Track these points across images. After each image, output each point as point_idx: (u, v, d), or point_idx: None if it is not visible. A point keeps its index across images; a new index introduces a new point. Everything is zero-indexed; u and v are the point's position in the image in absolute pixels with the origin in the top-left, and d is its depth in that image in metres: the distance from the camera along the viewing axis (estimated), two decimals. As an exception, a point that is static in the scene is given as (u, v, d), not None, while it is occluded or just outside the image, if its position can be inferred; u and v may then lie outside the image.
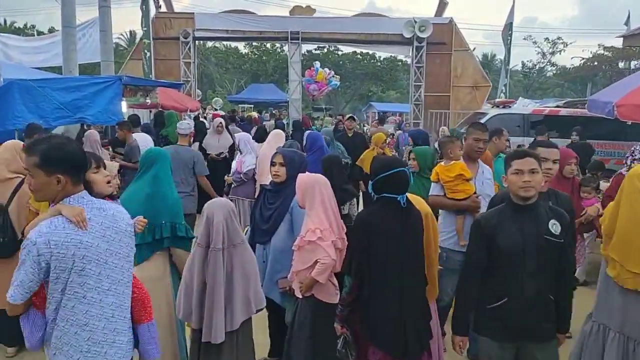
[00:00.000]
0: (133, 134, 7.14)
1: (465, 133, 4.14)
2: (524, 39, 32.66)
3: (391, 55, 31.42)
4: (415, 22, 16.39)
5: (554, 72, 37.34)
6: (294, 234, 3.40)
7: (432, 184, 4.08)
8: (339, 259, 3.15)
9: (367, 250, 2.79)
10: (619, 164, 9.61)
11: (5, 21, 33.69)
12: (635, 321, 2.57)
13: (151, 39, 16.00)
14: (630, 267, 2.55)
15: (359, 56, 34.59)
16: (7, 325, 3.46)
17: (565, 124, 10.14)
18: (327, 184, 3.24)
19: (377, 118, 17.85)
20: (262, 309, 2.97)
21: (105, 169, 2.93)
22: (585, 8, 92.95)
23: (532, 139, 9.02)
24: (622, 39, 20.70)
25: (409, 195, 2.91)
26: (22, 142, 4.10)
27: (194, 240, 2.88)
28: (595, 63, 28.59)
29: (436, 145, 9.94)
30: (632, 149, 5.35)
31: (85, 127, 8.03)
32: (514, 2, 16.78)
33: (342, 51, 34.20)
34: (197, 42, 18.05)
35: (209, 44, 32.76)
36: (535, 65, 35.33)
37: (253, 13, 17.91)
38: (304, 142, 6.54)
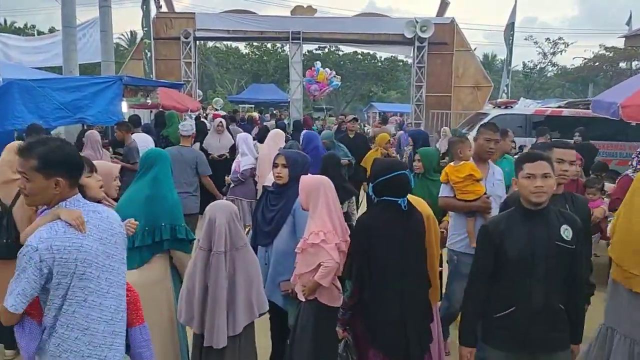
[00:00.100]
0: (134, 135, 7.11)
1: (476, 133, 4.07)
2: (525, 39, 32.56)
3: (392, 56, 31.42)
4: (417, 22, 16.36)
5: (555, 72, 37.30)
6: (296, 236, 3.36)
7: (442, 185, 4.03)
8: (343, 262, 3.10)
9: (367, 253, 2.76)
10: (621, 165, 9.58)
11: (5, 21, 33.67)
12: None
13: (152, 39, 15.97)
14: (628, 268, 2.56)
15: (359, 56, 34.57)
16: (9, 327, 3.42)
17: (567, 124, 10.11)
18: (332, 186, 3.20)
19: (379, 118, 17.81)
20: (264, 313, 2.93)
21: (97, 172, 2.89)
22: (585, 8, 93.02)
23: (534, 139, 9.00)
24: (623, 39, 20.66)
25: (410, 197, 2.88)
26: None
27: (195, 243, 2.83)
28: (597, 63, 28.56)
29: (437, 145, 9.91)
30: (639, 150, 5.32)
31: (85, 128, 7.98)
32: (515, 2, 16.75)
33: (342, 51, 34.20)
34: (197, 42, 18.01)
35: (210, 44, 32.76)
36: (536, 65, 35.27)
37: (254, 13, 17.88)
38: (300, 141, 6.57)
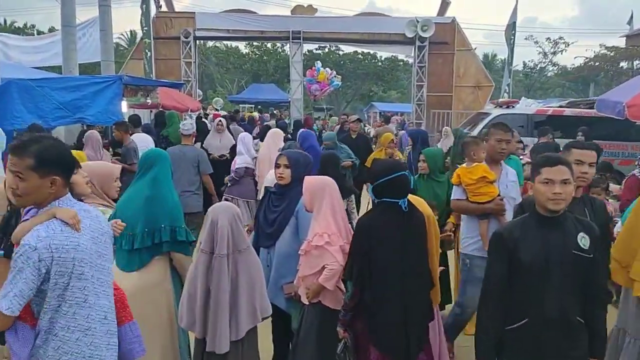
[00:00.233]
0: (134, 135, 7.08)
1: (487, 133, 3.99)
2: (525, 38, 32.49)
3: (392, 55, 31.41)
4: (418, 21, 16.31)
5: (555, 72, 37.30)
6: (299, 238, 3.32)
7: (454, 187, 3.96)
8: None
9: (368, 255, 2.74)
10: (623, 165, 9.53)
11: (5, 21, 33.62)
12: None
13: (152, 39, 15.93)
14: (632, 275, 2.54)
15: (360, 56, 34.56)
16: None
17: (569, 124, 10.06)
18: (336, 187, 3.16)
19: (381, 118, 17.77)
20: (268, 317, 2.88)
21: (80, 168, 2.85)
22: (585, 8, 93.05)
23: (536, 139, 8.96)
24: (624, 39, 20.66)
25: (410, 197, 2.86)
26: None
27: (197, 245, 2.78)
28: (597, 63, 28.56)
29: (439, 145, 9.86)
30: None
31: (84, 128, 7.94)
32: (516, 1, 16.69)
33: (343, 51, 34.18)
34: (197, 41, 17.97)
35: (210, 43, 32.72)
36: (537, 65, 35.26)
37: (254, 12, 17.83)
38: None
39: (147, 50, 15.86)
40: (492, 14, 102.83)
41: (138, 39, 20.63)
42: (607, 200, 5.45)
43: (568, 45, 31.34)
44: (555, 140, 8.90)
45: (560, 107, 11.69)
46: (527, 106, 11.81)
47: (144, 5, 15.67)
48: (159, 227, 3.02)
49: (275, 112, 21.72)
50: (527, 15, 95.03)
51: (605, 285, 2.64)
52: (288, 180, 3.50)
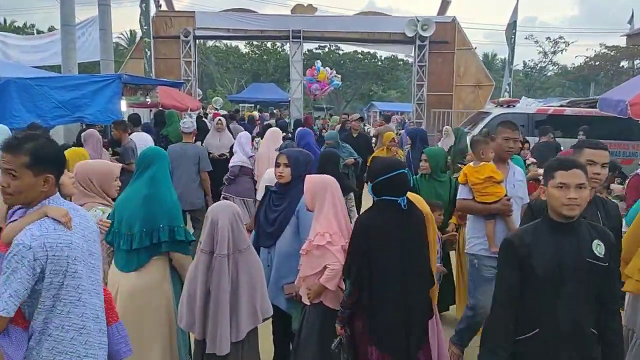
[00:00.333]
0: (133, 134, 7.04)
1: (494, 132, 3.92)
2: (525, 38, 32.49)
3: (392, 55, 31.41)
4: (418, 20, 16.27)
5: (555, 71, 37.30)
6: (300, 237, 3.29)
7: (460, 186, 3.91)
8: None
9: (367, 254, 2.71)
10: (624, 164, 9.50)
11: (5, 20, 33.57)
12: None
13: (151, 38, 15.89)
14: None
15: (359, 55, 34.54)
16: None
17: (570, 123, 10.05)
18: (338, 186, 3.13)
19: (381, 117, 17.72)
20: (269, 318, 2.84)
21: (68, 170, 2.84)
22: (585, 8, 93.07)
23: (537, 138, 8.93)
24: (625, 38, 20.64)
25: (409, 195, 2.84)
26: None
27: (198, 246, 2.74)
28: (597, 63, 28.55)
29: (439, 144, 9.83)
30: None
31: (83, 127, 7.90)
32: (517, 0, 16.65)
33: (342, 50, 34.15)
34: (197, 41, 17.93)
35: (209, 43, 32.69)
36: (537, 64, 35.25)
37: (254, 12, 17.79)
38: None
39: (146, 50, 15.83)
40: (492, 14, 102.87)
41: (138, 39, 20.58)
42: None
43: (568, 44, 31.39)
44: (556, 139, 8.90)
45: (561, 106, 11.66)
46: (528, 105, 11.80)
47: (143, 5, 15.63)
48: (158, 227, 2.97)
49: (275, 111, 21.69)
50: (526, 15, 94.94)
51: (620, 295, 2.54)
52: (288, 179, 3.47)
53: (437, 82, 16.78)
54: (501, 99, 13.69)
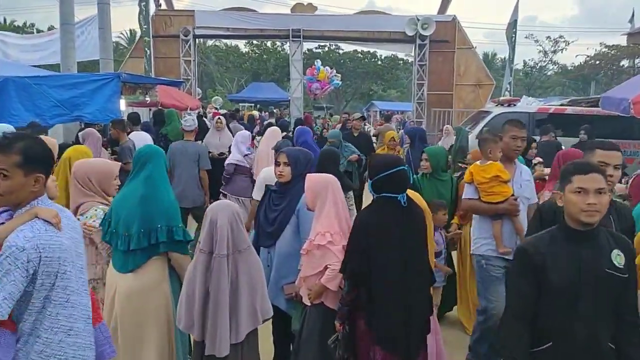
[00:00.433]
0: (133, 133, 7.01)
1: (501, 131, 3.84)
2: (525, 37, 32.46)
3: (392, 54, 31.41)
4: (418, 19, 16.24)
5: (556, 70, 37.27)
6: (300, 237, 3.25)
7: (466, 185, 3.85)
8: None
9: (366, 252, 2.68)
10: (626, 163, 9.46)
11: (5, 20, 33.53)
12: None
13: (151, 37, 15.85)
14: None
15: (359, 55, 34.52)
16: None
17: (570, 122, 10.01)
18: (339, 185, 3.09)
19: (381, 117, 17.68)
20: (269, 319, 2.80)
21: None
22: (585, 7, 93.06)
23: (538, 137, 8.89)
24: (625, 37, 20.60)
25: (408, 192, 2.83)
26: None
27: (196, 246, 2.70)
28: (598, 62, 28.53)
29: (440, 143, 9.80)
30: None
31: (82, 126, 7.85)
32: (517, 0, 16.61)
33: (342, 49, 34.13)
34: (197, 40, 17.88)
35: (209, 42, 32.64)
36: (537, 64, 35.22)
37: (254, 11, 17.74)
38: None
39: (146, 49, 15.79)
40: (492, 14, 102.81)
41: (138, 38, 20.54)
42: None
43: (568, 43, 31.37)
44: (557, 138, 8.86)
45: (562, 105, 11.62)
46: (529, 105, 11.75)
47: (143, 3, 15.58)
48: (156, 227, 2.92)
49: (275, 110, 21.64)
50: (526, 15, 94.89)
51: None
52: (288, 178, 3.43)
53: (437, 82, 16.74)
54: (502, 98, 13.65)
